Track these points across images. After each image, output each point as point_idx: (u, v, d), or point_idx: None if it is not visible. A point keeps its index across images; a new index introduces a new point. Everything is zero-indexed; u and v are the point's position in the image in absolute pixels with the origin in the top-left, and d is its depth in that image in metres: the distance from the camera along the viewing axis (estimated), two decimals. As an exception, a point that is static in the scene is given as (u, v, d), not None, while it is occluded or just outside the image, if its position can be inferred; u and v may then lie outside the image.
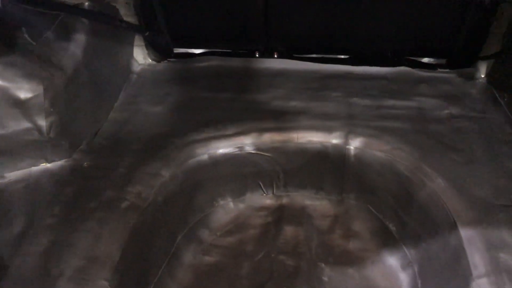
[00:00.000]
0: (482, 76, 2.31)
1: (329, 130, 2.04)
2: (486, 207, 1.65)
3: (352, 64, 2.43)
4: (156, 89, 2.34)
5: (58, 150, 1.86)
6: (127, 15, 2.29)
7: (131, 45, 2.44)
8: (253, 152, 2.06)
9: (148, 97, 2.28)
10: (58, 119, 1.80)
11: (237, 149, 2.04)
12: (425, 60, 2.46)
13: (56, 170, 1.84)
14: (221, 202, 2.16)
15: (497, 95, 2.16)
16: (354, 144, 2.00)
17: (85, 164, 1.89)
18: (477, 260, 1.50)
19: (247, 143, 2.04)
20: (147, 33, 2.35)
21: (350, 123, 2.06)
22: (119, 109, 2.21)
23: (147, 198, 1.76)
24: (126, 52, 2.42)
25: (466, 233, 1.58)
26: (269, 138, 2.05)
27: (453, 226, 1.62)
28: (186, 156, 1.96)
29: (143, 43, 2.44)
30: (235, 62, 2.49)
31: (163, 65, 2.52)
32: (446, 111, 2.10)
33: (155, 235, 1.82)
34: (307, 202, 2.18)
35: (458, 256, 1.57)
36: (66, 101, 1.84)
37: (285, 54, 2.49)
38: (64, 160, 1.88)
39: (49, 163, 1.86)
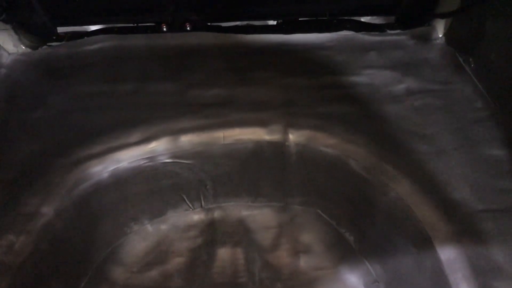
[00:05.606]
0: (440, 35, 1.89)
1: (262, 124, 1.59)
2: (467, 215, 1.29)
3: (285, 32, 1.95)
4: (34, 86, 1.75)
5: None
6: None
7: (-7, 30, 1.83)
8: (168, 161, 1.59)
9: (23, 98, 1.70)
10: None
11: (146, 160, 1.56)
12: (371, 20, 2.03)
13: None
14: (135, 228, 1.69)
15: (460, 59, 1.76)
16: (295, 140, 1.57)
17: None
18: None
19: (159, 150, 1.56)
20: (3, 16, 1.73)
21: (288, 112, 1.61)
22: (-17, 119, 1.63)
23: (23, 250, 1.29)
24: (-14, 40, 1.80)
25: (445, 253, 1.22)
26: (187, 141, 1.58)
27: (428, 242, 1.27)
28: (77, 179, 1.46)
29: (8, 26, 1.83)
30: (137, 41, 1.93)
31: (42, 52, 1.91)
32: (403, 86, 1.69)
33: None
34: (244, 212, 1.77)
35: (439, 282, 1.23)
36: None
37: (200, 25, 1.97)
38: None
39: None
